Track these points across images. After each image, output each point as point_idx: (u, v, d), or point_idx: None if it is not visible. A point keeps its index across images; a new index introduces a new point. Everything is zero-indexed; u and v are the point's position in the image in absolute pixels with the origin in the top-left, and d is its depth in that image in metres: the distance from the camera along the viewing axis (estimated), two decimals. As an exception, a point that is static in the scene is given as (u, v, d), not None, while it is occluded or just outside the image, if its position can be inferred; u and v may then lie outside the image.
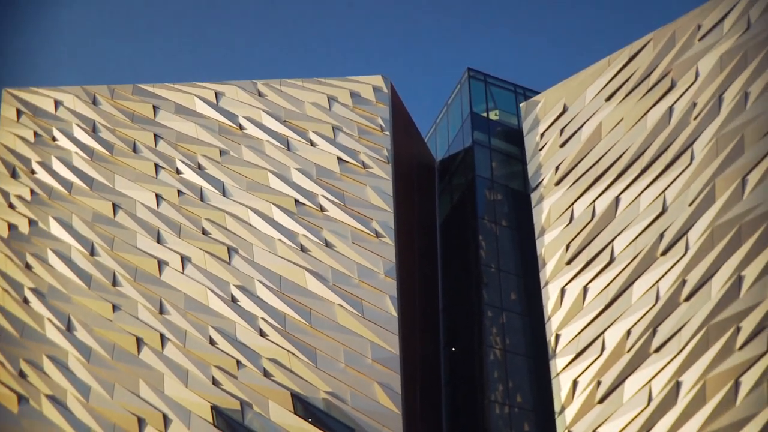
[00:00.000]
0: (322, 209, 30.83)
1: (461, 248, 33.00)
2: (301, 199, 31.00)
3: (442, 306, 33.05)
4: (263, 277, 28.99)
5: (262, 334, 27.70)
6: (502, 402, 28.88)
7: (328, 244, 29.85)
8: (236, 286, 28.86)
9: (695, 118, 28.27)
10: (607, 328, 27.09)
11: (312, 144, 32.69)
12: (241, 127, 33.22)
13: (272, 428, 25.54)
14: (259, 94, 34.15)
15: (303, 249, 29.70)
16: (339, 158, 32.20)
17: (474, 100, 34.98)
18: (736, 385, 22.88)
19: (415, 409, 28.61)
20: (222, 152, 32.51)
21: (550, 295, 29.36)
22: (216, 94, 34.10)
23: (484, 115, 34.90)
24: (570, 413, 26.66)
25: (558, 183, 31.48)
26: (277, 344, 27.44)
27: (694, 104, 28.57)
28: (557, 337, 28.36)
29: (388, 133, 32.99)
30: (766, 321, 23.11)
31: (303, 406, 25.96)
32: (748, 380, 22.74)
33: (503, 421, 28.44)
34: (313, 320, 28.02)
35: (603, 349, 26.84)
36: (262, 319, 28.04)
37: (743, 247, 24.75)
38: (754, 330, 23.24)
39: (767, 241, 24.20)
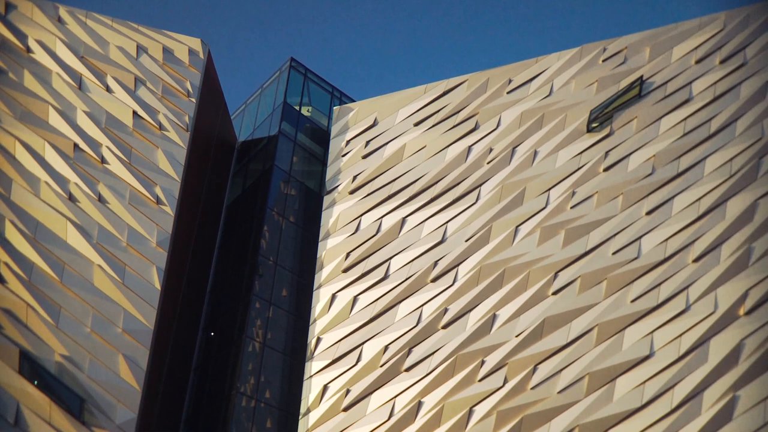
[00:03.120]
0: (103, 161, 28.33)
1: (243, 234, 32.13)
2: (82, 145, 28.24)
3: (210, 288, 31.88)
4: (17, 218, 25.83)
5: (1, 280, 24.59)
6: (250, 395, 28.32)
7: (101, 199, 27.44)
8: (-18, 221, 25.41)
9: (488, 162, 30.12)
10: (366, 341, 27.71)
11: (108, 90, 30.05)
12: (28, 50, 29.64)
13: (-12, 386, 22.61)
14: (59, 20, 30.78)
15: (71, 198, 26.99)
16: (135, 112, 29.91)
17: (290, 91, 34.45)
18: (470, 413, 24.44)
19: (157, 388, 27.10)
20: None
21: (320, 298, 29.48)
22: (7, 4, 30.13)
23: (297, 108, 34.48)
24: (314, 416, 26.81)
25: (352, 192, 31.88)
26: (16, 294, 24.47)
27: (491, 149, 30.45)
28: (318, 340, 28.50)
29: (194, 99, 31.31)
30: (507, 359, 24.99)
31: (31, 367, 23.30)
32: (480, 410, 24.39)
33: (246, 414, 27.88)
34: (64, 276, 25.44)
35: (359, 360, 27.39)
36: (5, 263, 24.90)
37: (503, 288, 26.65)
38: (495, 366, 25.02)
39: (524, 287, 26.27)
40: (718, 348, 22.31)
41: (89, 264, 25.93)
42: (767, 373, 21.43)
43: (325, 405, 26.85)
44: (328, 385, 27.22)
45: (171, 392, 28.74)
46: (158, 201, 28.36)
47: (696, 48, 28.79)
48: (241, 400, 28.07)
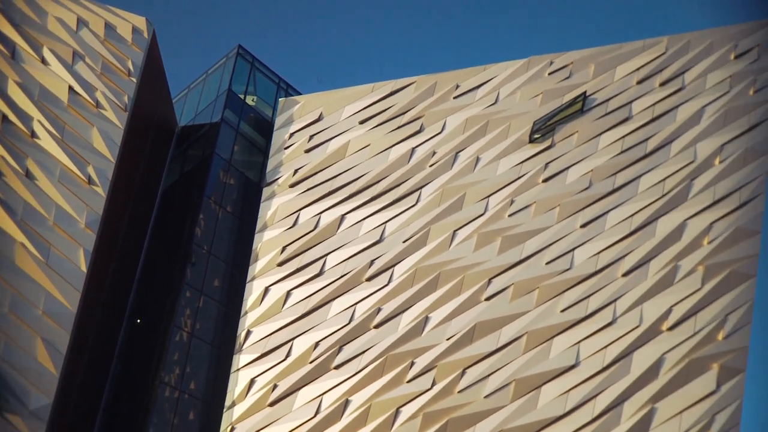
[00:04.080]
0: (33, 135, 27.15)
1: (177, 221, 31.36)
2: (11, 117, 26.98)
3: (140, 275, 30.98)
4: (-63, 189, 24.56)
5: None
6: (174, 386, 27.62)
7: (29, 175, 26.30)
8: None
9: (431, 165, 30.25)
10: (297, 336, 27.44)
11: (43, 62, 28.84)
12: (-40, 13, 28.26)
13: None
14: (-4, -16, 29.44)
15: (-3, 172, 25.82)
16: (71, 87, 28.79)
17: (235, 78, 33.83)
18: (396, 413, 24.48)
19: (76, 374, 26.15)
20: (-73, 33, 27.27)
21: (253, 291, 29.05)
22: (-61, -35, 28.70)
23: (241, 96, 33.89)
24: (239, 410, 26.38)
25: (293, 185, 31.54)
26: (-70, 268, 23.26)
27: (434, 153, 30.59)
28: (248, 333, 28.07)
29: (134, 79, 30.37)
30: (437, 362, 25.14)
31: (-58, 346, 22.17)
32: (407, 411, 24.46)
33: (169, 405, 27.18)
34: (-16, 253, 24.30)
35: (288, 355, 27.10)
36: None
37: (437, 291, 26.80)
38: (425, 368, 25.15)
39: (458, 291, 26.47)
40: (641, 361, 22.98)
41: (12, 241, 24.82)
42: (684, 387, 22.20)
43: (251, 399, 26.44)
44: (256, 379, 26.83)
45: (91, 379, 27.78)
46: (90, 181, 27.39)
47: (638, 69, 29.61)
48: (164, 391, 27.36)
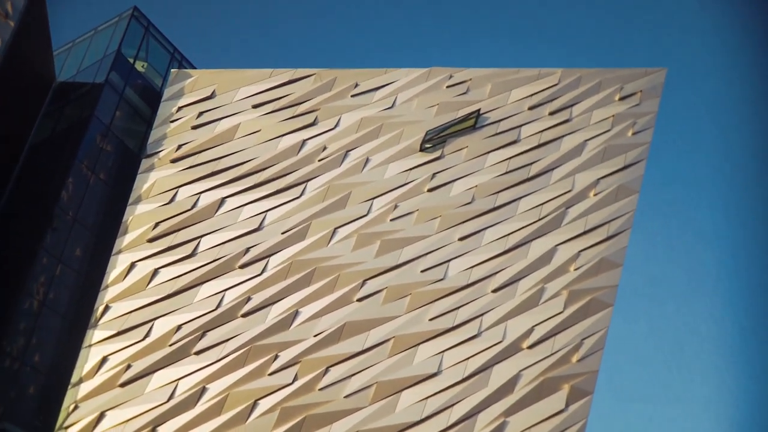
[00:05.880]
0: None
1: (43, 182, 29.23)
2: None
3: (-8, 233, 28.63)
4: None
5: None
6: (16, 356, 25.61)
7: None
8: None
9: (320, 160, 29.96)
10: (159, 317, 26.29)
11: None
12: None
13: None
14: None
15: None
16: (-60, 20, 26.28)
17: (127, 41, 32.05)
18: (254, 405, 23.96)
19: None
20: None
21: (117, 265, 27.56)
22: None
23: (131, 60, 32.16)
24: (86, 388, 24.88)
25: (174, 161, 30.26)
26: None
27: (325, 148, 30.32)
28: (106, 308, 26.58)
29: (12, 23, 28.10)
30: (301, 357, 24.85)
31: None
32: (264, 404, 24.00)
33: (7, 377, 25.15)
34: None
35: (147, 335, 25.89)
36: None
37: (310, 286, 26.52)
38: (288, 362, 24.82)
39: (331, 289, 26.32)
40: (499, 375, 23.73)
41: None
42: (536, 404, 23.13)
43: (101, 378, 25.01)
44: (108, 357, 25.43)
45: None
46: (-52, 124, 25.04)
47: (531, 95, 30.71)
48: (3, 361, 25.31)
